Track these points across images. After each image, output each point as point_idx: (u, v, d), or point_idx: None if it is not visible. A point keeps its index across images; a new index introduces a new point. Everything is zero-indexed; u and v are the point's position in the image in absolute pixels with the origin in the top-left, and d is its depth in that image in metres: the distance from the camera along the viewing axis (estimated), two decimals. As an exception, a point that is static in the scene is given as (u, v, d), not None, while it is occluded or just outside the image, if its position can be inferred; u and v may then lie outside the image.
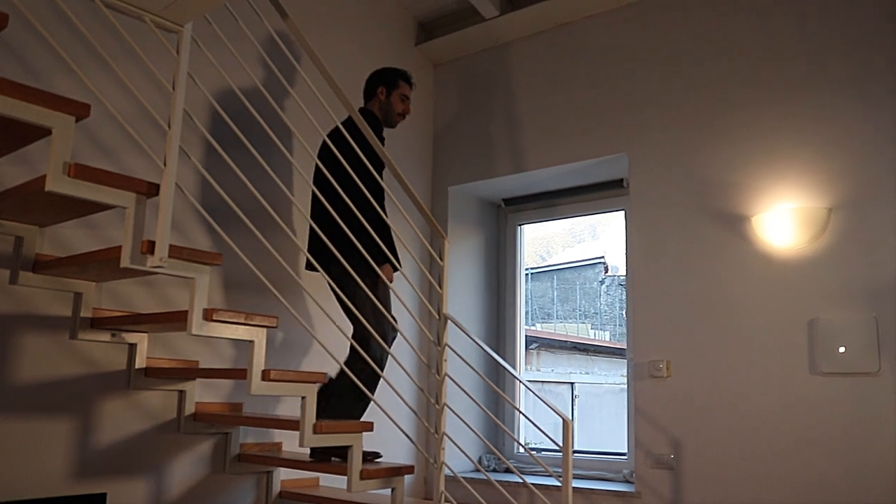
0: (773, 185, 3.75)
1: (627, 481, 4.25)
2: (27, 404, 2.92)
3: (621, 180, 4.58)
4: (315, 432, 2.89)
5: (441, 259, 3.62)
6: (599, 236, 6.24)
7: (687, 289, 3.95)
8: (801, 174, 3.68)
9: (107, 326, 3.11)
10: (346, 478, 3.07)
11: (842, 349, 3.46)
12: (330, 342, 3.07)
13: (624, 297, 5.06)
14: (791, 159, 3.71)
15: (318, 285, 3.33)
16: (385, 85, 3.76)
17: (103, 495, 2.87)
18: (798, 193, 3.67)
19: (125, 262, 2.41)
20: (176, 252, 2.49)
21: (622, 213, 4.68)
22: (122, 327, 3.14)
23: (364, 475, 3.06)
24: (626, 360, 4.52)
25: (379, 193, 3.34)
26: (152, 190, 2.45)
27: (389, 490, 3.20)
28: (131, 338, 3.21)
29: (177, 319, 2.72)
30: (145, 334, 3.25)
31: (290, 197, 3.01)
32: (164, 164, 2.51)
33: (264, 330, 2.78)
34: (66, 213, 2.73)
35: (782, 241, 3.64)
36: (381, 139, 3.52)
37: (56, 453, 2.98)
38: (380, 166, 3.41)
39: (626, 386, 4.46)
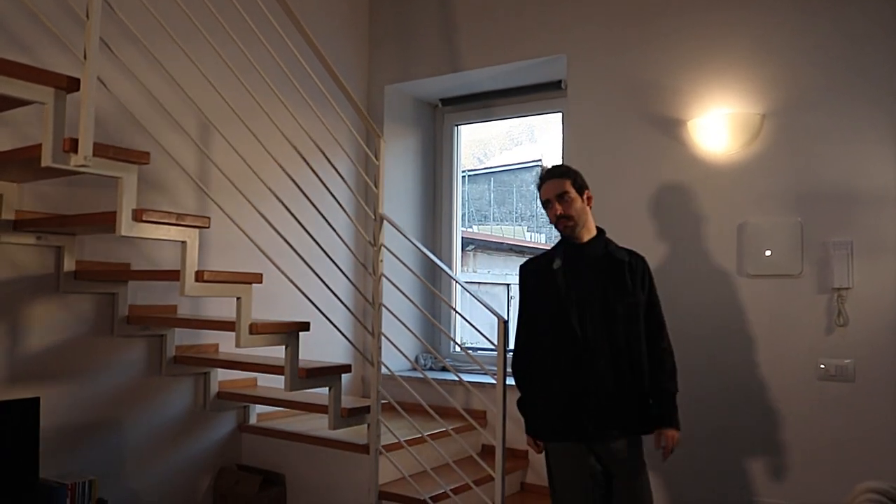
0: (708, 91, 3.76)
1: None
2: (-50, 309, 2.84)
3: (559, 82, 4.54)
4: (251, 332, 2.89)
5: (377, 158, 3.57)
6: (537, 139, 6.22)
7: (622, 192, 3.98)
8: (737, 80, 3.70)
9: (30, 229, 3.01)
10: (282, 377, 3.10)
11: (768, 252, 3.57)
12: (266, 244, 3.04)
13: (560, 199, 5.09)
14: (727, 65, 3.72)
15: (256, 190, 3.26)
16: None
17: (36, 399, 2.84)
18: (733, 99, 3.69)
19: (46, 160, 2.32)
20: (101, 150, 2.40)
21: (559, 115, 4.66)
22: (47, 229, 3.05)
23: (301, 374, 3.08)
24: (560, 261, 4.59)
25: None
26: (72, 85, 2.34)
27: (327, 389, 3.24)
28: (58, 240, 3.12)
29: (105, 221, 2.64)
30: (73, 237, 3.16)
31: (220, 97, 2.92)
32: (85, 58, 2.39)
33: (196, 231, 2.73)
34: (-22, 109, 2.60)
35: (716, 145, 3.68)
36: None
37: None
38: None
39: (560, 286, 4.54)
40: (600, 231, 2.99)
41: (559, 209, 2.88)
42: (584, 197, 2.92)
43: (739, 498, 3.57)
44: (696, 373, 3.66)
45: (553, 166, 3.01)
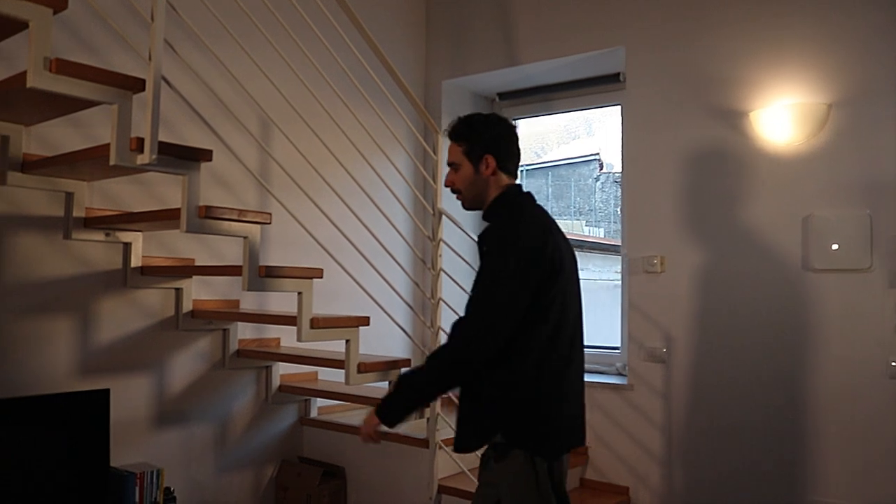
0: (772, 81, 3.67)
1: (620, 374, 4.34)
2: (27, 304, 2.95)
3: (618, 74, 4.48)
4: (312, 327, 2.92)
5: (435, 153, 3.58)
6: (595, 133, 6.16)
7: (682, 185, 3.92)
8: (802, 69, 3.60)
9: (100, 226, 3.10)
10: (343, 371, 3.13)
11: (835, 246, 3.47)
12: (326, 240, 3.07)
13: (619, 194, 5.04)
14: (792, 54, 3.63)
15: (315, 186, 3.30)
16: None
17: (107, 391, 2.93)
18: (798, 89, 3.60)
19: (114, 159, 2.38)
20: (165, 149, 2.46)
21: (618, 108, 4.60)
22: (115, 226, 3.13)
23: (361, 368, 3.11)
24: (620, 257, 4.55)
25: None
26: (138, 85, 2.40)
27: (387, 383, 3.27)
28: (125, 237, 3.20)
29: (169, 217, 2.71)
30: (139, 233, 3.25)
31: (281, 94, 2.97)
32: (150, 59, 2.45)
33: (258, 226, 2.77)
34: (50, 110, 2.68)
35: (780, 137, 3.59)
36: None
37: (59, 351, 3.02)
38: None
39: (619, 282, 4.50)
40: (494, 202, 2.39)
41: (447, 179, 2.44)
42: (483, 162, 2.34)
43: (803, 498, 3.49)
44: (758, 370, 3.59)
45: (452, 123, 2.44)
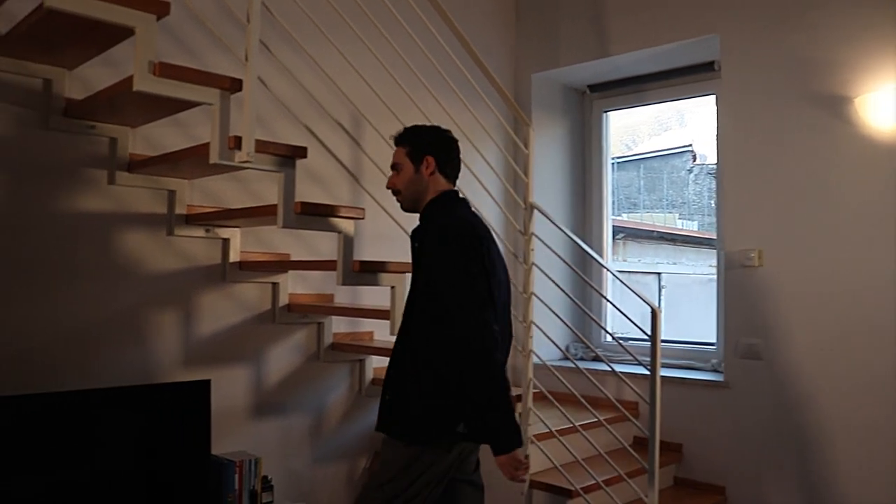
0: (879, 63, 3.50)
1: (716, 371, 4.23)
2: (134, 298, 3.08)
3: (712, 63, 4.36)
4: (404, 321, 2.95)
5: (526, 147, 3.57)
6: (687, 124, 6.02)
7: (781, 176, 3.79)
8: (910, 49, 3.43)
9: (200, 222, 3.20)
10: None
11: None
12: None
13: (713, 185, 4.91)
14: (899, 32, 3.46)
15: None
16: None
17: (207, 381, 3.02)
18: (906, 70, 3.43)
19: (214, 158, 2.46)
20: (262, 147, 2.52)
21: (713, 97, 4.48)
22: (215, 223, 3.23)
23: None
24: (715, 250, 4.44)
25: None
26: (235, 85, 2.47)
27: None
28: (224, 233, 3.30)
29: (266, 213, 2.78)
30: (237, 229, 3.34)
31: (372, 90, 3.00)
32: (246, 59, 2.52)
33: (352, 221, 2.82)
34: (154, 112, 2.79)
35: (889, 123, 3.43)
36: None
37: (164, 343, 3.14)
38: None
39: (714, 276, 4.39)
40: (431, 203, 2.50)
41: (389, 181, 2.57)
42: (423, 163, 2.48)
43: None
44: (866, 367, 3.45)
45: (399, 130, 2.58)
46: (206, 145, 2.50)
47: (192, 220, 3.19)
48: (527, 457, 2.45)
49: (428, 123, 2.64)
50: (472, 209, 2.58)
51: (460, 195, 2.59)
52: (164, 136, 3.14)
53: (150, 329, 3.11)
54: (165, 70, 2.31)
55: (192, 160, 2.69)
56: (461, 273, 2.29)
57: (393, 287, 2.92)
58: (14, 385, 2.69)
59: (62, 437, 2.67)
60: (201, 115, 2.96)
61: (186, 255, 3.22)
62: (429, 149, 2.49)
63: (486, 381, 2.25)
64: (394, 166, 2.54)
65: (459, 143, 2.60)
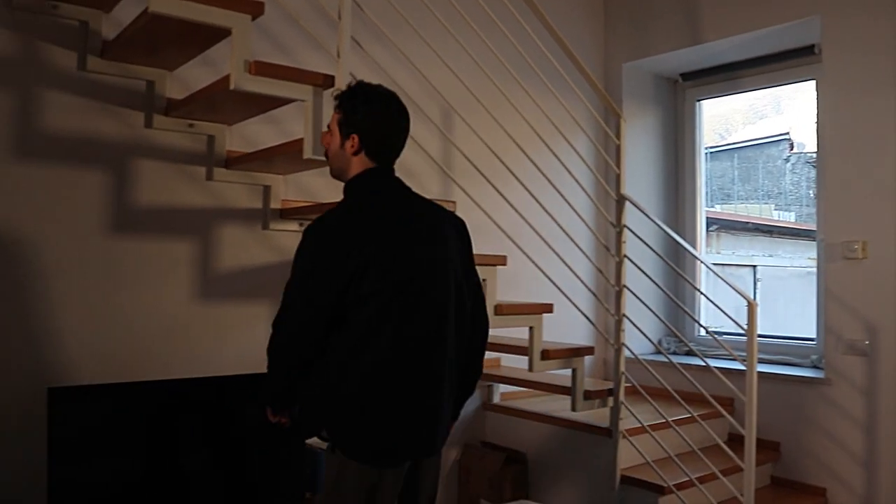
0: None
1: (816, 367, 4.08)
2: (232, 290, 3.18)
3: (812, 47, 4.20)
4: (497, 314, 2.95)
5: (617, 138, 3.52)
6: (784, 111, 5.83)
7: (887, 163, 3.62)
8: None
9: (295, 217, 3.27)
10: (526, 358, 3.14)
11: None
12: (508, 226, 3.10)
13: (812, 175, 4.75)
14: None
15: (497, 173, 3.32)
16: None
17: (302, 373, 3.08)
18: None
19: (307, 153, 2.50)
20: (354, 142, 2.55)
21: (812, 83, 4.32)
22: (309, 217, 3.30)
23: (545, 355, 3.11)
24: (814, 242, 4.28)
25: None
26: (328, 81, 2.51)
27: (570, 371, 3.25)
28: (317, 227, 3.36)
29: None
30: (330, 223, 3.40)
31: (461, 83, 3.01)
32: (338, 56, 2.55)
33: (442, 216, 2.83)
34: (249, 109, 2.86)
35: None
36: None
37: (259, 334, 3.21)
38: None
39: (814, 269, 4.24)
40: (347, 183, 2.28)
41: (323, 138, 2.34)
42: (349, 140, 2.20)
43: None
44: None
45: (344, 86, 2.31)
46: (300, 141, 2.55)
47: (286, 214, 3.26)
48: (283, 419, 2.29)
49: (372, 84, 2.27)
50: (395, 190, 2.30)
51: (388, 172, 2.29)
52: (258, 133, 3.22)
53: (248, 320, 3.19)
54: (260, 68, 2.36)
55: (286, 156, 2.75)
56: (297, 268, 2.16)
57: (483, 279, 2.92)
58: (113, 374, 2.82)
59: (160, 424, 2.78)
60: (294, 112, 3.02)
61: (281, 249, 3.29)
62: (357, 126, 2.20)
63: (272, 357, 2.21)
64: (328, 126, 2.31)
65: (405, 118, 2.28)
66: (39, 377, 2.69)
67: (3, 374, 2.67)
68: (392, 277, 2.08)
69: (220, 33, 2.39)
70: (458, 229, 2.35)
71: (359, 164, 2.23)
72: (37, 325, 2.74)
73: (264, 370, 2.20)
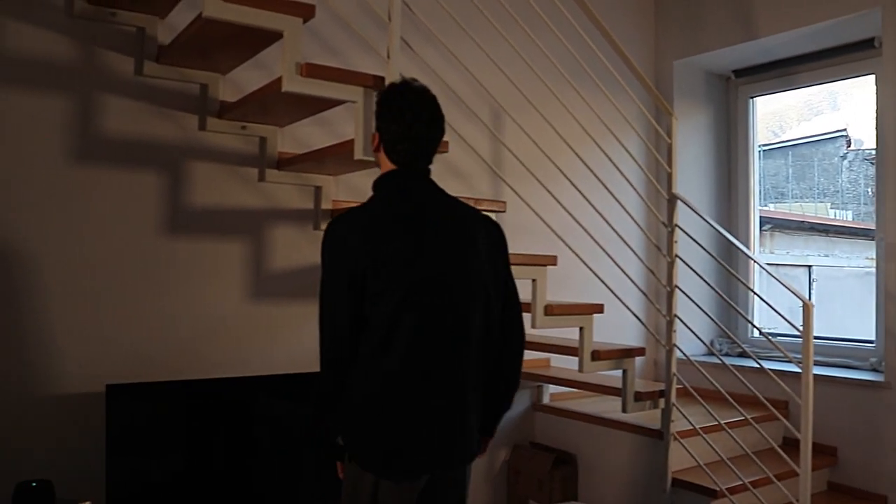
0: None
1: (875, 370, 3.98)
2: (286, 290, 3.22)
3: (872, 40, 4.09)
4: (546, 314, 2.94)
5: (669, 137, 3.48)
6: (840, 107, 5.70)
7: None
8: None
9: (344, 217, 3.29)
10: (577, 359, 3.13)
11: None
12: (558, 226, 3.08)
13: (870, 172, 4.63)
14: None
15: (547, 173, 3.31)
16: None
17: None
18: None
19: (358, 154, 2.52)
20: (404, 142, 2.56)
21: (871, 77, 4.21)
22: (358, 217, 3.32)
23: (596, 356, 3.09)
24: (872, 242, 4.18)
25: None
26: (378, 83, 2.52)
27: (621, 372, 3.22)
28: (367, 227, 3.38)
29: (409, 208, 2.82)
30: (380, 224, 3.42)
31: (511, 83, 3.00)
32: (388, 57, 2.57)
33: (493, 215, 2.80)
34: (300, 111, 2.89)
35: None
36: None
37: (310, 333, 3.25)
38: None
39: (872, 269, 4.13)
40: (373, 184, 2.20)
41: None
42: (373, 138, 2.18)
43: None
44: None
45: None
46: (351, 142, 2.57)
47: (335, 214, 3.28)
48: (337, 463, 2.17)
49: (405, 82, 2.18)
50: (419, 191, 2.17)
51: (413, 174, 2.17)
52: (310, 134, 3.25)
53: (301, 320, 3.23)
54: (311, 70, 2.39)
55: (337, 157, 2.78)
56: (322, 281, 2.12)
57: (533, 280, 2.92)
58: (166, 372, 2.88)
59: (211, 421, 2.84)
60: (345, 113, 3.04)
61: (331, 249, 3.32)
62: (377, 125, 2.14)
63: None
64: None
65: (424, 119, 2.12)
66: (97, 374, 2.76)
67: (62, 369, 2.74)
68: (407, 277, 2.01)
69: (272, 36, 2.42)
70: (491, 233, 2.22)
71: (387, 163, 2.16)
72: (94, 323, 2.81)
73: (315, 370, 2.22)
